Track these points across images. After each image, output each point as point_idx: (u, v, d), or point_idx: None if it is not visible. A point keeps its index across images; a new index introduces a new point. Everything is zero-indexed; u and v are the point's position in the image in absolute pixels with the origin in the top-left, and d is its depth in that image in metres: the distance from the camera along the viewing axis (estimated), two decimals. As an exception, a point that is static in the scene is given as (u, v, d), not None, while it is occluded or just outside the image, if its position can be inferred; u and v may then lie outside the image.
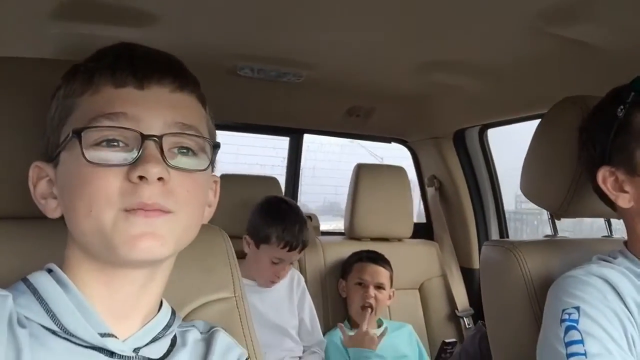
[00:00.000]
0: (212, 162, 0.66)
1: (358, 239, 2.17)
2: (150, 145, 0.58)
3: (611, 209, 0.98)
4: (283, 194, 2.16)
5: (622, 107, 0.88)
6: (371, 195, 2.16)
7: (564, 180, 1.06)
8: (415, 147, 2.53)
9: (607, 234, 1.25)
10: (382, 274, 1.95)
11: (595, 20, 1.20)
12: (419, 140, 2.47)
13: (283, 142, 2.47)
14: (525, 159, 1.20)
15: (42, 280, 0.61)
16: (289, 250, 1.68)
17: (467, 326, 2.16)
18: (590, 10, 1.16)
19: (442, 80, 1.81)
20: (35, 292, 0.60)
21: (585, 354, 0.81)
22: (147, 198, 0.56)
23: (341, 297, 2.01)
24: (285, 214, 1.72)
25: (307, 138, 2.51)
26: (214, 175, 0.71)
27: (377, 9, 1.26)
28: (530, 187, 1.19)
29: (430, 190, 2.47)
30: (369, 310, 1.88)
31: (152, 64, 0.62)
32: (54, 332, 0.58)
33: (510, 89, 1.80)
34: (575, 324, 0.84)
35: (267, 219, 1.70)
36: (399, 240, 2.24)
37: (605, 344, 0.81)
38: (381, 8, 1.25)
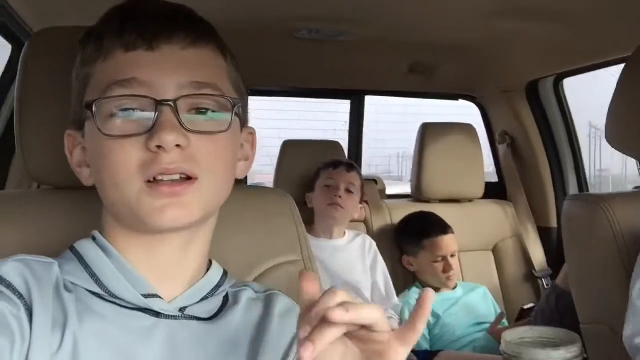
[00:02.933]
0: (240, 119, 0.63)
1: (426, 200, 2.10)
2: (166, 111, 0.55)
3: None
4: (346, 157, 2.12)
5: None
6: (439, 155, 2.08)
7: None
8: (484, 102, 2.40)
9: None
10: (453, 242, 1.88)
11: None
12: (488, 95, 2.34)
13: (344, 106, 2.42)
14: (611, 104, 1.10)
15: (86, 246, 0.61)
16: (334, 169, 1.78)
17: (545, 286, 2.06)
18: None
19: (512, 27, 1.68)
20: (80, 258, 0.60)
21: None
22: (167, 164, 0.55)
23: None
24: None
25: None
26: (249, 128, 0.68)
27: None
28: (617, 134, 1.09)
29: (501, 148, 2.34)
30: (453, 277, 1.87)
31: (160, 21, 0.58)
32: (99, 296, 0.58)
33: (588, 32, 1.65)
34: None
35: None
36: (470, 200, 2.15)
37: None
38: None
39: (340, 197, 1.74)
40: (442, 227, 1.89)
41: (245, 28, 1.61)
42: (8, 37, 1.38)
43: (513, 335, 1.04)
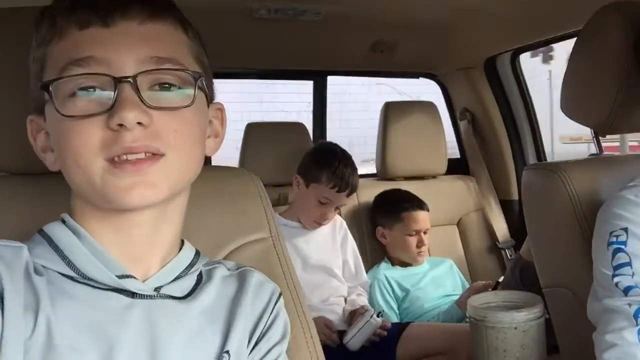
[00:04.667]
0: (205, 94, 0.62)
1: (391, 178, 2.13)
2: (125, 88, 0.54)
3: None
4: (311, 139, 2.12)
5: None
6: (402, 134, 2.11)
7: (608, 92, 0.99)
8: (444, 80, 2.44)
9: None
10: (427, 219, 1.94)
11: None
12: (448, 72, 2.37)
13: (307, 87, 2.41)
14: (565, 75, 1.13)
15: (55, 229, 0.60)
16: (337, 192, 1.71)
17: (509, 257, 2.13)
18: None
19: (469, 4, 1.70)
20: (50, 241, 0.59)
21: (632, 276, 0.78)
22: (131, 142, 0.53)
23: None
24: (338, 157, 1.76)
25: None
26: (217, 103, 0.67)
27: None
28: (571, 105, 1.13)
29: (462, 124, 2.39)
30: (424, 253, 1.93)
31: None
32: (72, 278, 0.57)
33: (542, 7, 1.69)
34: (622, 246, 0.80)
35: (320, 160, 1.75)
36: (434, 177, 2.19)
37: None
38: None
39: (328, 218, 1.75)
40: (419, 203, 1.94)
41: (202, 8, 1.58)
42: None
43: (479, 301, 1.07)
